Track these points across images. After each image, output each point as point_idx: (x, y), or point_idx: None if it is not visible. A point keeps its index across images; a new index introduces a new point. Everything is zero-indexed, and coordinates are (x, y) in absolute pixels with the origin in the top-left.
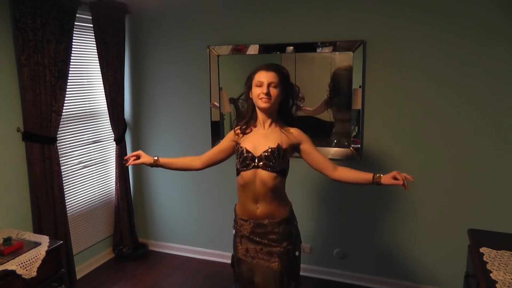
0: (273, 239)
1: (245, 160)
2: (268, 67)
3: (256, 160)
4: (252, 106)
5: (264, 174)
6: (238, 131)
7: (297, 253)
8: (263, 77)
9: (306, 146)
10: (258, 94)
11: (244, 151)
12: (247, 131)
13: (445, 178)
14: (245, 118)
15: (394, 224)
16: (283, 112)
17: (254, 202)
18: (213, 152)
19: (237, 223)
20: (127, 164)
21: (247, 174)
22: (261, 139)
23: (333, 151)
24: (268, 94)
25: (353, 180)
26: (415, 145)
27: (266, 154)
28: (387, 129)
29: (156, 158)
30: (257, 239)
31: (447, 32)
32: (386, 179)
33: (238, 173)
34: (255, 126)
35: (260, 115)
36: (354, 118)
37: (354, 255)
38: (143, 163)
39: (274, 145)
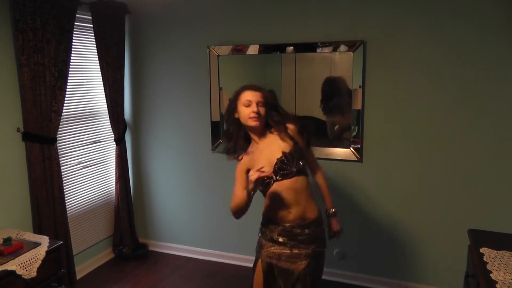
0: (303, 240)
1: (267, 183)
2: (254, 87)
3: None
4: (238, 126)
5: (287, 183)
6: (241, 157)
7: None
8: (251, 96)
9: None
10: (248, 114)
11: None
12: (246, 158)
13: (445, 177)
14: (233, 138)
15: (394, 224)
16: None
17: (286, 209)
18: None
19: (267, 227)
20: None
21: (272, 191)
22: (269, 151)
23: (333, 151)
24: (258, 113)
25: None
26: (416, 144)
27: (278, 165)
28: (387, 129)
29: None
30: (286, 241)
31: (447, 32)
32: (331, 223)
33: (264, 194)
34: (246, 148)
35: (252, 134)
36: (354, 119)
37: (354, 255)
38: None
39: (280, 155)
